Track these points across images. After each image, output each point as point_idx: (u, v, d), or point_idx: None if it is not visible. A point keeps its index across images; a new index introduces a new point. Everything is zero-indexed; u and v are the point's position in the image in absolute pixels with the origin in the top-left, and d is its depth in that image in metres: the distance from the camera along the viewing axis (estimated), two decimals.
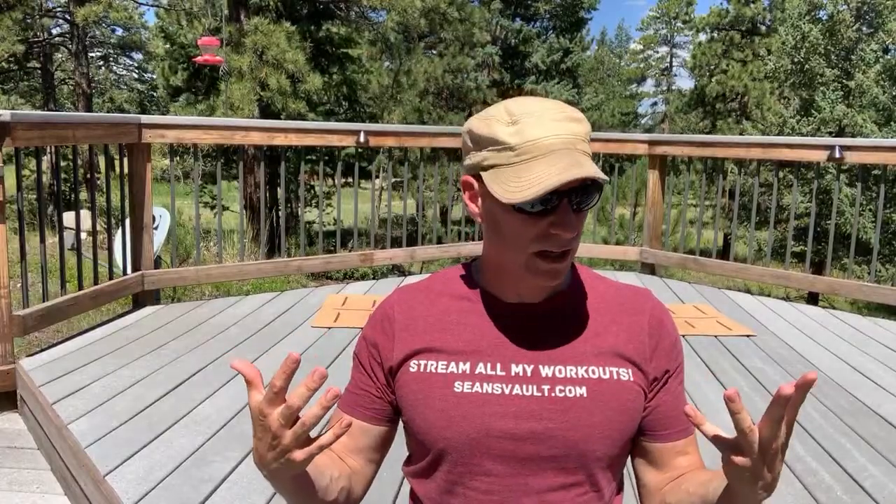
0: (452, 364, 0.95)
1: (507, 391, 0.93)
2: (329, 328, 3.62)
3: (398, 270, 7.30)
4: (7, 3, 13.24)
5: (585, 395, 0.92)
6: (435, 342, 0.97)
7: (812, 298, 5.09)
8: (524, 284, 0.96)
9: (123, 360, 3.01)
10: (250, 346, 3.30)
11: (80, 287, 3.48)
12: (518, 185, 0.86)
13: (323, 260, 4.88)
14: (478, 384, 0.93)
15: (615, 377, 0.94)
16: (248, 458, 2.18)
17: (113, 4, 13.45)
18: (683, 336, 3.58)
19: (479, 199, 0.94)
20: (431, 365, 0.96)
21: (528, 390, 0.93)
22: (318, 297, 4.30)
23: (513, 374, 0.94)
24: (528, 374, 0.94)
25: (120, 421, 2.41)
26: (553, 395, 0.92)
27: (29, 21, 15.15)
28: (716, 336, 3.63)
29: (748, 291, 4.99)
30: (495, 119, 0.90)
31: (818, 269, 8.96)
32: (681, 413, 0.99)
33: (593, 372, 0.94)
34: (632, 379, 0.95)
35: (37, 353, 3.14)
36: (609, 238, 7.43)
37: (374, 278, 5.70)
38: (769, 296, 5.03)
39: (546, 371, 0.94)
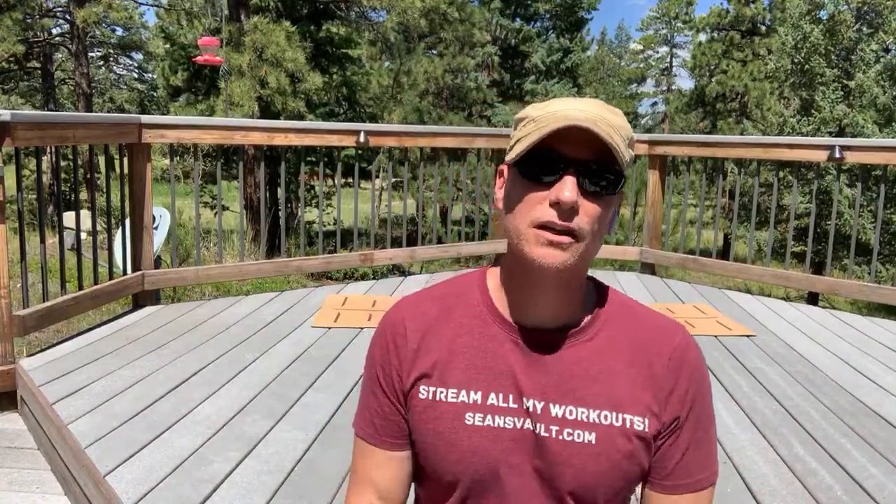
0: (463, 393, 0.91)
1: (518, 425, 0.89)
2: (329, 328, 3.62)
3: (398, 270, 7.30)
4: (7, 3, 13.24)
5: (594, 441, 0.88)
6: (445, 366, 0.93)
7: (812, 298, 5.10)
8: (532, 282, 0.89)
9: (123, 361, 3.01)
10: (251, 345, 3.30)
11: (80, 287, 3.48)
12: (523, 146, 0.85)
13: (323, 260, 4.88)
14: (489, 417, 0.89)
15: (627, 425, 0.89)
16: (248, 458, 2.18)
17: (113, 5, 13.45)
18: None
19: (507, 184, 0.91)
20: (441, 393, 0.92)
21: (538, 428, 0.89)
22: (318, 297, 4.30)
23: (524, 407, 0.89)
24: (539, 410, 0.89)
25: (120, 421, 2.41)
26: (561, 437, 0.88)
27: (29, 21, 15.15)
28: (716, 336, 3.63)
29: (748, 291, 4.98)
30: (533, 104, 0.89)
31: (818, 269, 8.96)
32: (687, 467, 0.92)
33: (605, 417, 0.88)
34: (646, 429, 0.89)
35: (37, 353, 3.14)
36: (609, 238, 7.43)
37: (374, 278, 5.70)
38: (769, 296, 5.03)
39: (556, 410, 0.89)
